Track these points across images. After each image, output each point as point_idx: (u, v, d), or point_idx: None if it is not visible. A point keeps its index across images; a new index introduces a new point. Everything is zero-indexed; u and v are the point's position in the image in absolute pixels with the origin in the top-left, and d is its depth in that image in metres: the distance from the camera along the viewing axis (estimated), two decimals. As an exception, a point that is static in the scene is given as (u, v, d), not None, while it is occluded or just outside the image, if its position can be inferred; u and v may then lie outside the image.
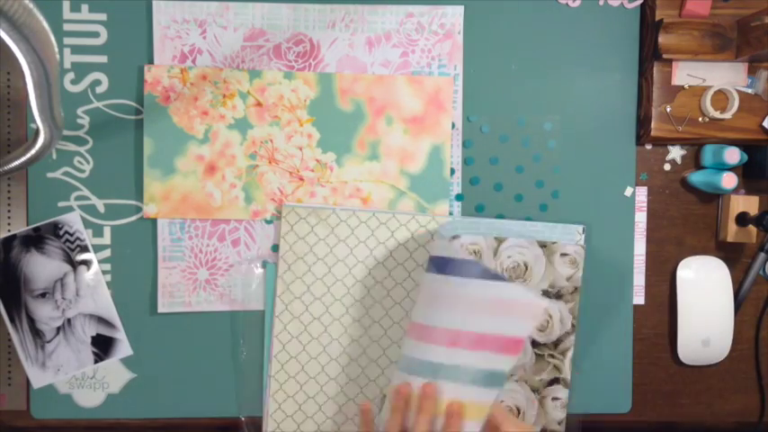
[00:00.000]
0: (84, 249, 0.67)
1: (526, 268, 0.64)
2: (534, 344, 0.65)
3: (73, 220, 0.67)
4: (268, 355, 0.67)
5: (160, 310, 0.68)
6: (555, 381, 0.65)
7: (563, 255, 0.65)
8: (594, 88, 0.70)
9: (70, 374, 0.67)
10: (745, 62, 0.68)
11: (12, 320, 0.66)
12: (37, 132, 0.49)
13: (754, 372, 0.73)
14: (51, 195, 0.67)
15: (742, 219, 0.69)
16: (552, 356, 0.65)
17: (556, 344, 0.65)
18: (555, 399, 0.65)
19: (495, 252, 0.64)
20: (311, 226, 0.62)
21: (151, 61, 0.67)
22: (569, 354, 0.65)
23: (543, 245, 0.65)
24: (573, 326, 0.65)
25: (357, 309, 0.64)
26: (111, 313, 0.67)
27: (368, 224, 0.62)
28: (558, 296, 0.65)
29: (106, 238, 0.67)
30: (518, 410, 0.65)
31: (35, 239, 0.66)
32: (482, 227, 0.65)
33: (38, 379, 0.67)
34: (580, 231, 0.66)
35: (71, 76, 0.66)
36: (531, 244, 0.65)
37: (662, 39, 0.66)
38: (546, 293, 0.65)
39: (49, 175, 0.67)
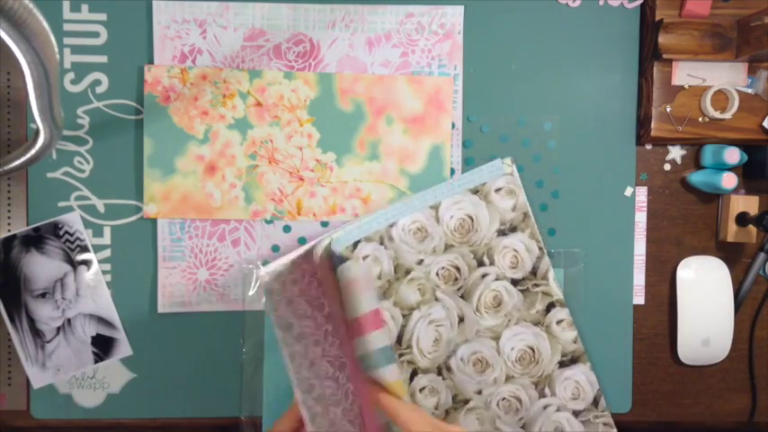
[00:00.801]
0: (84, 249, 0.67)
1: (472, 219, 0.64)
2: (514, 282, 0.65)
3: (73, 220, 0.67)
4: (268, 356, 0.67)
5: (160, 310, 0.68)
6: (551, 306, 0.65)
7: (497, 190, 0.65)
8: (594, 88, 0.70)
9: (70, 374, 0.67)
10: (745, 62, 0.68)
11: (12, 320, 0.66)
12: (37, 132, 0.49)
13: (756, 372, 0.73)
14: (51, 195, 0.67)
15: (742, 219, 0.69)
16: (536, 285, 0.65)
17: (534, 272, 0.65)
18: (559, 322, 0.65)
19: (436, 219, 0.64)
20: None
21: (151, 61, 0.67)
22: (550, 274, 0.65)
23: (475, 190, 0.65)
24: (540, 249, 0.65)
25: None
26: (111, 313, 0.67)
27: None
28: (512, 229, 0.65)
29: (106, 238, 0.67)
30: (532, 350, 0.65)
31: (35, 239, 0.66)
32: (416, 202, 0.65)
33: (38, 379, 0.67)
34: (509, 163, 0.66)
35: (71, 76, 0.66)
36: (464, 195, 0.64)
37: (662, 39, 0.66)
38: (501, 232, 0.65)
39: (49, 175, 0.67)
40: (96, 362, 0.67)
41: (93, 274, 0.67)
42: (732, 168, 0.69)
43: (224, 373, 0.68)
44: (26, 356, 0.66)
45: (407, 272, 0.63)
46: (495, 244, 0.65)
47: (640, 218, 0.71)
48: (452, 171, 0.69)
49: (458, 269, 0.64)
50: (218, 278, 0.68)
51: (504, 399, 0.64)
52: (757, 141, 0.69)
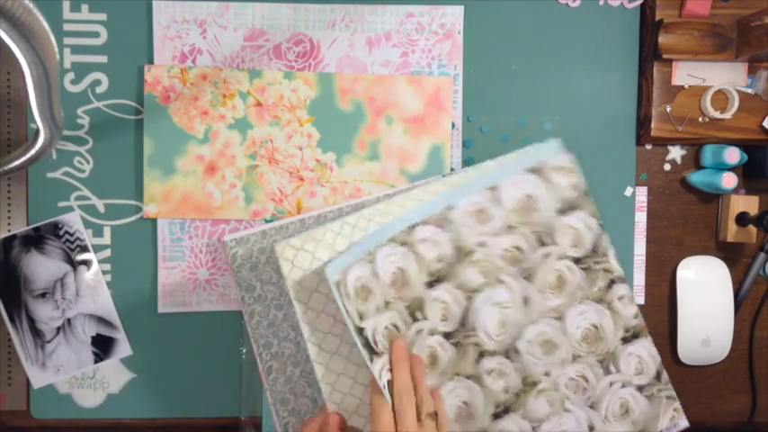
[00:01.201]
0: (84, 249, 0.67)
1: (531, 199, 0.64)
2: (576, 261, 0.65)
3: (73, 220, 0.67)
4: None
5: (160, 310, 0.68)
6: (611, 282, 0.65)
7: (556, 169, 0.65)
8: (594, 88, 0.70)
9: (70, 374, 0.67)
10: (745, 62, 0.68)
11: (12, 320, 0.66)
12: (37, 132, 0.49)
13: (756, 372, 0.73)
14: (51, 195, 0.67)
15: (742, 219, 0.69)
16: (597, 263, 0.65)
17: (594, 250, 0.65)
18: (620, 298, 0.65)
19: (496, 201, 0.64)
20: (312, 253, 0.61)
21: (151, 61, 0.67)
22: (611, 251, 0.65)
23: (533, 170, 0.64)
24: (600, 226, 0.65)
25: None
26: (111, 313, 0.67)
27: (358, 226, 0.62)
28: (572, 208, 0.65)
29: (106, 238, 0.67)
30: (596, 328, 0.65)
31: (35, 239, 0.66)
32: (473, 185, 0.64)
33: (38, 379, 0.67)
34: (559, 143, 0.66)
35: (71, 76, 0.66)
36: (523, 176, 0.64)
37: (662, 39, 0.66)
38: (561, 211, 0.64)
39: (49, 175, 0.67)
40: (96, 362, 0.67)
41: (93, 274, 0.67)
42: (732, 168, 0.69)
43: (224, 373, 0.68)
44: (26, 356, 0.66)
45: (468, 254, 0.62)
46: (556, 223, 0.64)
47: (640, 218, 0.71)
48: (452, 171, 0.69)
49: (520, 250, 0.63)
50: (218, 278, 0.68)
51: (571, 378, 0.64)
52: (757, 141, 0.69)
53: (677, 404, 0.65)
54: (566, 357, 0.64)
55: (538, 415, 0.63)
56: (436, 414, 0.55)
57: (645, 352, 0.65)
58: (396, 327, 0.59)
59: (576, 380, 0.64)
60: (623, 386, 0.64)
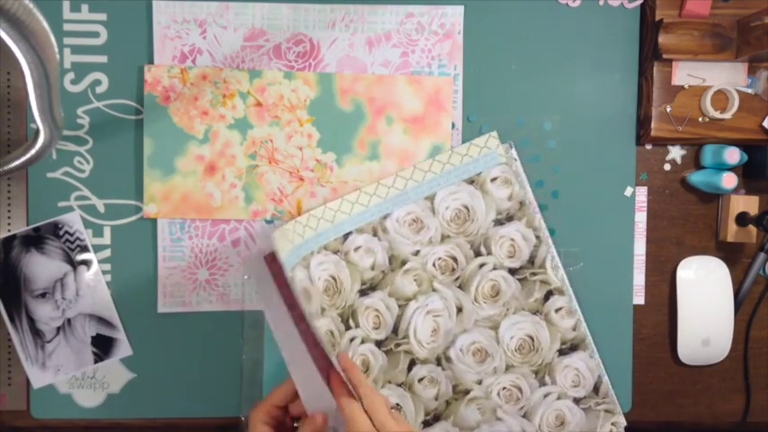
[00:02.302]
0: (84, 249, 0.67)
1: (468, 209, 0.65)
2: (512, 271, 0.65)
3: (73, 220, 0.67)
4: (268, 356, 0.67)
5: (160, 310, 0.68)
6: (549, 294, 0.66)
7: (493, 180, 0.66)
8: (594, 88, 0.70)
9: (70, 374, 0.67)
10: (745, 62, 0.68)
11: (12, 320, 0.66)
12: (37, 132, 0.49)
13: (752, 372, 0.73)
14: (51, 195, 0.67)
15: (742, 219, 0.69)
16: (534, 274, 0.65)
17: (531, 261, 0.66)
18: (558, 310, 0.66)
19: (432, 210, 0.64)
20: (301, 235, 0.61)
21: (151, 61, 0.67)
22: (548, 263, 0.66)
23: (471, 181, 0.65)
24: (537, 237, 0.66)
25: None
26: (111, 313, 0.67)
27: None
28: (509, 219, 0.66)
29: (106, 238, 0.67)
30: (531, 339, 0.65)
31: (35, 239, 0.66)
32: (410, 194, 0.65)
33: (38, 379, 0.67)
34: (501, 149, 0.66)
35: (71, 76, 0.66)
36: (459, 186, 0.65)
37: (662, 39, 0.66)
38: (498, 222, 0.65)
39: (49, 175, 0.67)
40: (96, 362, 0.67)
41: (93, 274, 0.67)
42: (732, 168, 0.69)
43: (224, 373, 0.68)
44: (26, 356, 0.66)
45: (403, 263, 0.63)
46: (492, 233, 0.65)
47: (640, 218, 0.71)
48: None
49: (455, 259, 0.64)
50: (218, 278, 0.68)
51: (504, 388, 0.65)
52: (757, 141, 0.69)
53: (617, 418, 0.66)
54: (499, 366, 0.65)
55: (468, 423, 0.64)
56: (399, 405, 0.57)
57: (582, 365, 0.66)
58: (331, 333, 0.60)
59: (510, 389, 0.65)
60: (559, 398, 0.65)
